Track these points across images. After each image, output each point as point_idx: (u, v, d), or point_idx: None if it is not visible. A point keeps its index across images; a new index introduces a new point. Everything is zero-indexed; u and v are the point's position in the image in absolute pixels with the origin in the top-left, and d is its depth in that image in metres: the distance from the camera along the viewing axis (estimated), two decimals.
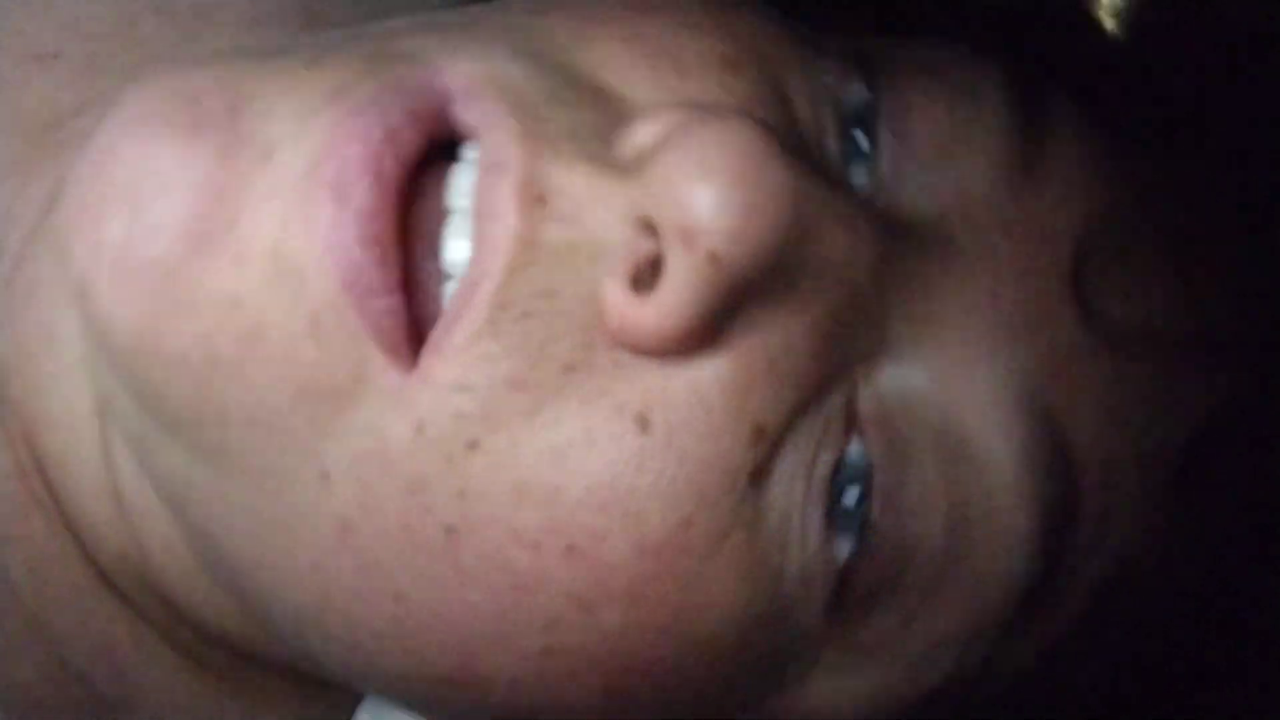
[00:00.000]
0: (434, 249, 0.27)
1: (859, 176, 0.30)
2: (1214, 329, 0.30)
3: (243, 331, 0.26)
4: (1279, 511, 0.31)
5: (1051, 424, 0.29)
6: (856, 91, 0.31)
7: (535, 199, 0.26)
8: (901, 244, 0.28)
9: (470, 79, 0.27)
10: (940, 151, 0.30)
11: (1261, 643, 0.32)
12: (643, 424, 0.26)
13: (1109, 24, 0.34)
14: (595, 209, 0.26)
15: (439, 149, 0.28)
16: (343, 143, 0.26)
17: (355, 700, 0.39)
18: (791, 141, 0.29)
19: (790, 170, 0.26)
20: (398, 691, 0.31)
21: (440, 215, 0.28)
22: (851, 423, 0.28)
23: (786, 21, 0.31)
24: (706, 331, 0.26)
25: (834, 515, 0.28)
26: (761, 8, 0.32)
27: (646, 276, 0.26)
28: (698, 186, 0.25)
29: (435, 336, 0.26)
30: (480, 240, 0.26)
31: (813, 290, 0.27)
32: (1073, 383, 0.29)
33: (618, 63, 0.29)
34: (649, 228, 0.26)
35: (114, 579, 0.35)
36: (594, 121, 0.27)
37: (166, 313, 0.26)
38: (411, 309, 0.27)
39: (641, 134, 0.27)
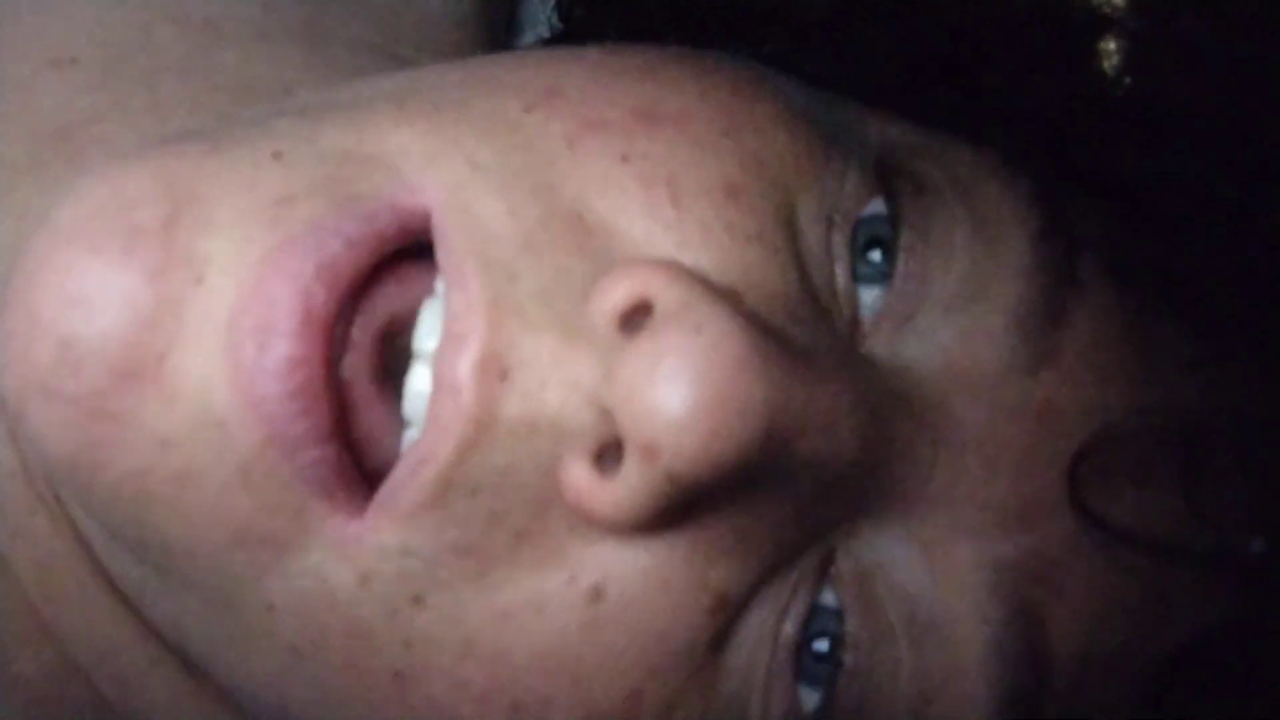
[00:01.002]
0: (393, 373, 0.26)
1: (870, 296, 0.29)
2: (1215, 545, 0.29)
3: (174, 473, 0.25)
4: None
5: (1028, 617, 0.28)
6: (875, 208, 0.29)
7: (497, 374, 0.25)
8: (896, 421, 0.28)
9: (442, 208, 0.26)
10: (957, 295, 0.29)
11: None
12: (595, 595, 0.26)
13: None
14: (560, 387, 0.25)
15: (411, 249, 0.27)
16: (270, 280, 0.25)
17: None
18: (777, 295, 0.27)
19: (766, 383, 0.24)
20: None
21: (403, 321, 0.27)
22: (824, 575, 0.28)
23: (801, 115, 0.30)
24: (664, 521, 0.26)
25: (803, 665, 0.28)
26: (777, 91, 0.30)
27: (610, 452, 0.26)
28: (662, 401, 0.24)
29: (382, 495, 0.26)
30: (433, 416, 0.25)
31: (788, 481, 0.26)
32: (1058, 581, 0.28)
33: (610, 188, 0.27)
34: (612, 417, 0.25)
35: (120, 586, 0.35)
36: (570, 270, 0.26)
37: (98, 446, 0.25)
38: (362, 447, 0.26)
39: (616, 293, 0.26)
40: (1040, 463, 0.28)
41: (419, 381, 0.26)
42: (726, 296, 0.26)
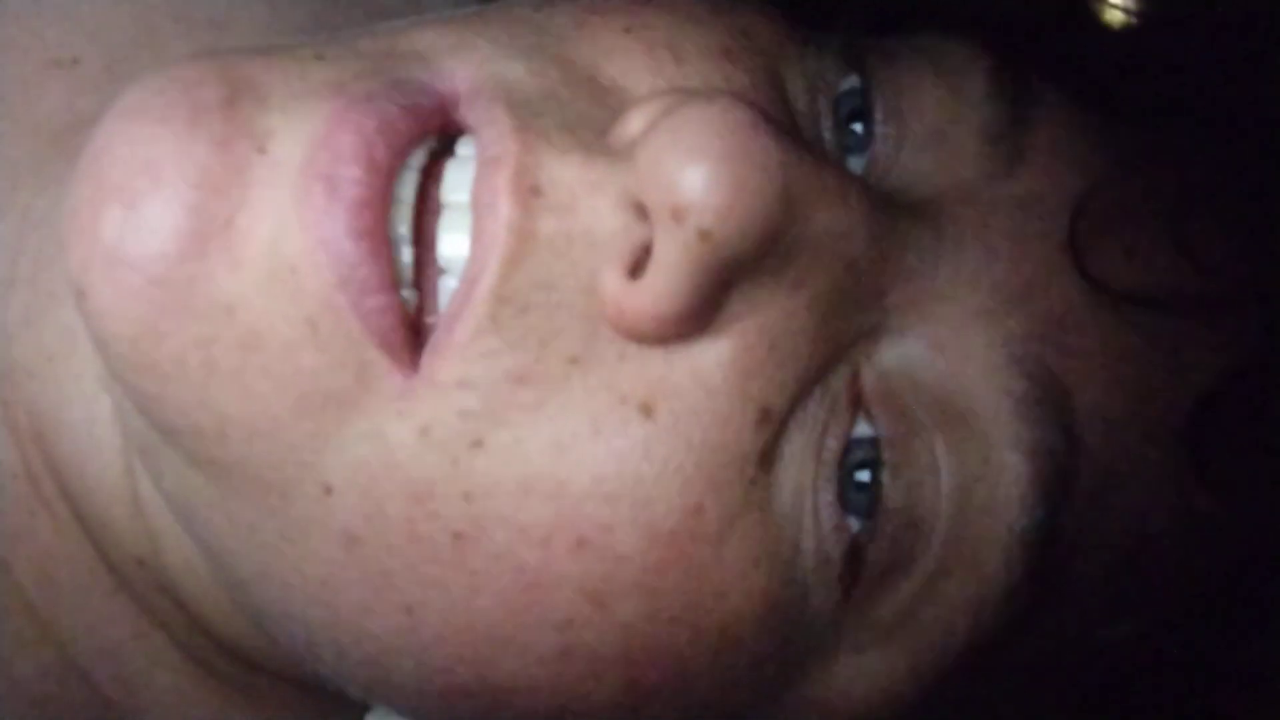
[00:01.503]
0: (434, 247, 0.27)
1: (857, 166, 0.31)
2: (1218, 289, 0.30)
3: (240, 338, 0.25)
4: None
5: (1048, 381, 0.29)
6: (851, 82, 0.31)
7: (530, 190, 0.26)
8: (896, 221, 0.28)
9: (473, 82, 0.28)
10: (931, 133, 0.31)
11: None
12: (647, 412, 0.26)
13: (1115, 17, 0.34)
14: (590, 198, 0.26)
15: (444, 152, 0.28)
16: (337, 132, 0.26)
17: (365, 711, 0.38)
18: (785, 122, 0.29)
19: (779, 145, 0.25)
20: (415, 707, 0.30)
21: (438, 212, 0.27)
22: (857, 401, 0.28)
23: (785, 17, 0.32)
24: (702, 312, 0.26)
25: (846, 494, 0.28)
26: (760, 4, 0.32)
27: (644, 263, 0.26)
28: (685, 164, 0.25)
29: (436, 337, 0.26)
30: (478, 235, 0.26)
31: (808, 266, 0.27)
32: (1072, 344, 0.29)
33: (617, 53, 0.29)
34: (642, 212, 0.26)
35: (129, 581, 0.35)
36: (590, 114, 0.28)
37: (162, 317, 0.25)
38: (418, 310, 0.27)
39: (634, 121, 0.27)
40: (1033, 240, 0.30)
41: (448, 241, 0.27)
42: None
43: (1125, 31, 0.33)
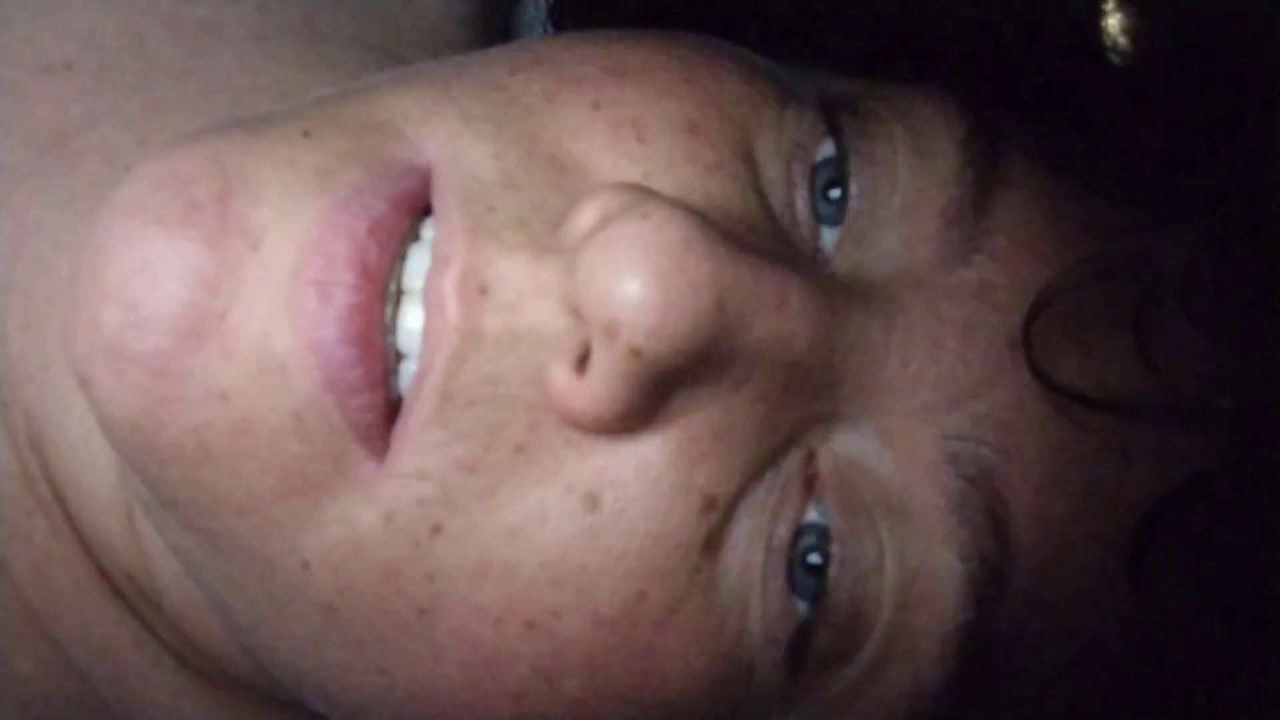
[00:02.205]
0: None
1: (831, 237, 0.31)
2: (1173, 399, 0.29)
3: (232, 424, 0.27)
4: (1256, 596, 0.29)
5: (986, 482, 0.29)
6: (827, 150, 0.31)
7: (477, 290, 0.27)
8: (849, 310, 0.29)
9: (439, 162, 0.28)
10: (902, 209, 0.30)
11: None
12: (592, 502, 0.27)
13: (1120, 42, 0.33)
14: (535, 298, 0.27)
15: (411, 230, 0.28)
16: (329, 237, 0.27)
17: None
18: (738, 216, 0.29)
19: (713, 261, 0.26)
20: None
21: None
22: (810, 485, 0.29)
23: (761, 71, 0.32)
24: (642, 412, 0.27)
25: (795, 575, 0.28)
26: (738, 54, 0.32)
27: (589, 356, 0.27)
28: (616, 282, 0.25)
29: (396, 428, 0.27)
30: (427, 332, 0.27)
31: (748, 368, 0.27)
32: (1012, 446, 0.29)
33: (583, 131, 0.29)
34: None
35: (122, 591, 0.36)
36: (546, 203, 0.28)
37: (160, 406, 0.27)
38: (387, 396, 0.27)
39: (584, 217, 0.27)
40: (983, 335, 0.29)
41: (411, 317, 0.28)
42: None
43: (1116, 105, 0.32)
